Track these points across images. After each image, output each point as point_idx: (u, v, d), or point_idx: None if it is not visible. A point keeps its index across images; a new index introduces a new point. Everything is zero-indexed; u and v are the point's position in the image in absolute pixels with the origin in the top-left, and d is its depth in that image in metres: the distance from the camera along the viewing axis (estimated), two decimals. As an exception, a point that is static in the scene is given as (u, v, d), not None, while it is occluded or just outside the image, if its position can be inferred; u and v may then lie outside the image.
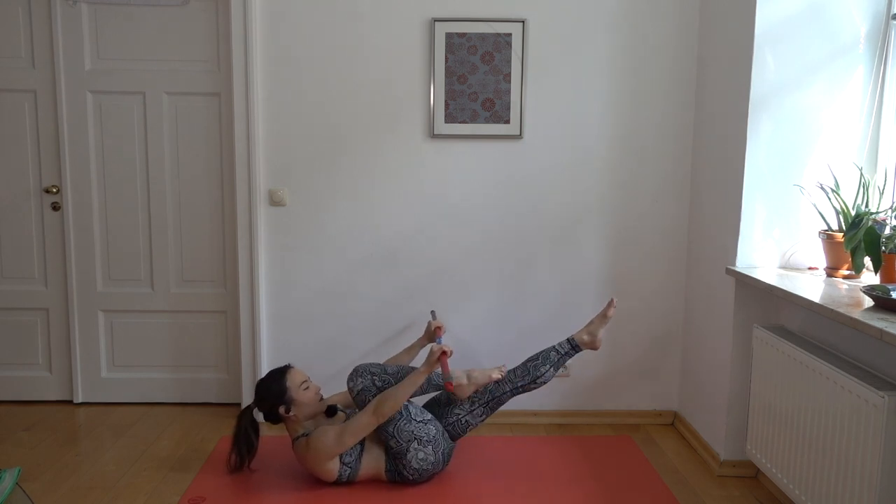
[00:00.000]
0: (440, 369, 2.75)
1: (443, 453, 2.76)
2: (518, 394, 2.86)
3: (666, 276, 3.37)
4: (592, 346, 2.93)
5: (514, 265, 3.36)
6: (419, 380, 2.67)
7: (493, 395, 2.83)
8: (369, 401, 2.71)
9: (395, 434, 2.68)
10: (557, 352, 2.89)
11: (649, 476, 2.89)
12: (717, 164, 3.02)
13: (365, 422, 2.64)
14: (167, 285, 3.51)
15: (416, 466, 2.71)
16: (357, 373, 2.77)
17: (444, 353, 2.67)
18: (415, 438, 2.69)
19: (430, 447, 2.71)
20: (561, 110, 3.26)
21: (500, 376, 2.81)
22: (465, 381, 2.78)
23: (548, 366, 2.86)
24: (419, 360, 3.06)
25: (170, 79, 3.37)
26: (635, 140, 3.29)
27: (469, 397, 2.83)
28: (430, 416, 2.77)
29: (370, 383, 2.73)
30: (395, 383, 2.73)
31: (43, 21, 3.33)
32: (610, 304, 2.94)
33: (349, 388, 2.77)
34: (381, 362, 2.99)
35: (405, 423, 2.69)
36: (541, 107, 3.25)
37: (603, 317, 2.92)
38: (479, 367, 3.01)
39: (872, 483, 2.00)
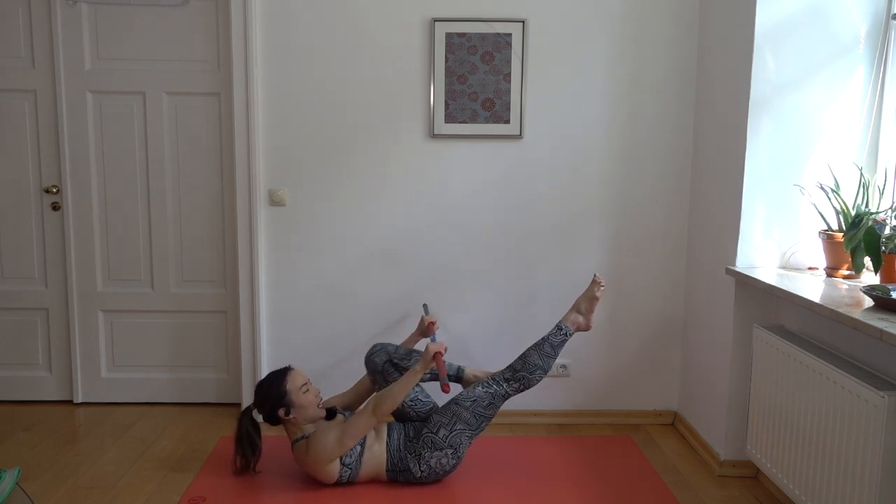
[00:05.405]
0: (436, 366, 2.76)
1: (459, 459, 2.77)
2: (517, 394, 2.84)
3: (666, 276, 3.37)
4: (586, 328, 2.93)
5: (514, 265, 3.36)
6: (415, 378, 2.68)
7: (492, 401, 2.77)
8: (387, 377, 2.83)
9: (448, 434, 2.70)
10: (551, 344, 2.84)
11: (649, 476, 2.89)
12: (717, 164, 3.02)
13: (364, 422, 2.64)
14: (167, 285, 3.51)
15: (434, 466, 2.71)
16: (373, 351, 2.93)
17: (438, 353, 2.67)
18: (454, 446, 2.71)
19: (456, 456, 2.74)
20: (561, 110, 3.26)
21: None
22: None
23: (544, 360, 2.82)
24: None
25: (170, 79, 3.36)
26: (635, 140, 3.29)
27: (473, 412, 2.76)
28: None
29: (387, 358, 2.87)
30: (407, 364, 2.84)
31: (43, 21, 3.33)
32: (594, 282, 2.91)
33: (367, 365, 2.92)
34: None
35: (461, 431, 2.71)
36: (541, 107, 3.25)
37: (592, 298, 2.90)
38: (477, 366, 3.07)
39: (872, 483, 2.00)
